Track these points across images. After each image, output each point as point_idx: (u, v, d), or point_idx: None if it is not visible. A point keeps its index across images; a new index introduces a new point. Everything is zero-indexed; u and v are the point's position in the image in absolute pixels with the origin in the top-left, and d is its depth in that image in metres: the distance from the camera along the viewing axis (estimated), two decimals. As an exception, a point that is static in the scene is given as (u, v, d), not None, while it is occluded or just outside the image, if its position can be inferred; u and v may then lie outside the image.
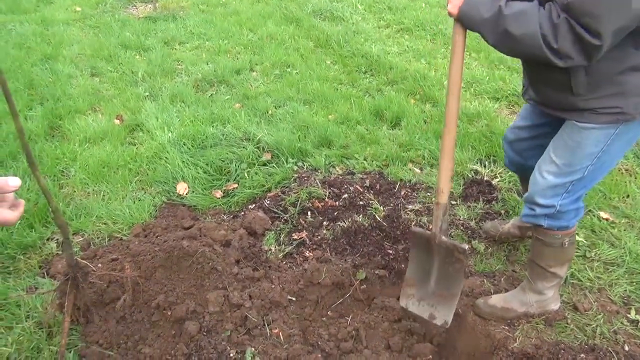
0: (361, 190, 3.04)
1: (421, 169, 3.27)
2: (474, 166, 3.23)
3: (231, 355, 1.99)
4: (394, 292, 2.48)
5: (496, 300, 2.21)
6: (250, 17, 6.11)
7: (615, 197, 2.88)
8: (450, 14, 1.64)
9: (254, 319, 2.13)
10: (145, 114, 3.90)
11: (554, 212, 1.85)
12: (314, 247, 2.65)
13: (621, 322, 2.14)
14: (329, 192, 2.99)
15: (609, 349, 2.00)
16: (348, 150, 3.44)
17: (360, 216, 2.82)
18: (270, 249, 2.64)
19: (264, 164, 3.29)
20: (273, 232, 2.75)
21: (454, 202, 2.96)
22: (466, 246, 1.84)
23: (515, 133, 2.10)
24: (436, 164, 3.23)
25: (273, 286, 2.30)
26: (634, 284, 2.33)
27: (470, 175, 3.16)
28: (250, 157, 3.31)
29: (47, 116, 3.85)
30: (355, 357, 2.17)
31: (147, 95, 4.29)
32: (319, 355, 2.07)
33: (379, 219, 2.79)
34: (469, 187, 3.06)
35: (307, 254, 2.60)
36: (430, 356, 2.16)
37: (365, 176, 3.18)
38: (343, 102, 4.07)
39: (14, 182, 0.96)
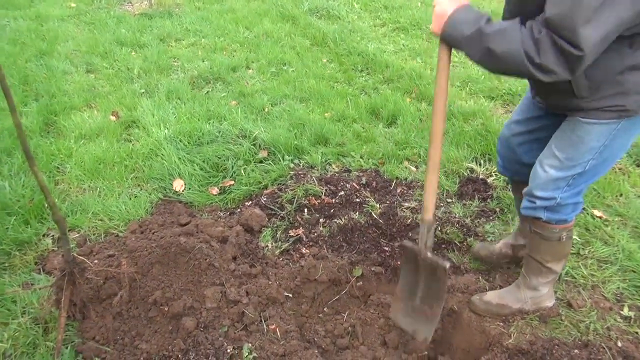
0: (357, 187, 3.05)
1: (417, 167, 3.29)
2: (470, 164, 3.25)
3: (228, 351, 2.00)
4: (390, 289, 2.49)
5: (491, 296, 2.23)
6: (246, 15, 6.11)
7: (608, 196, 2.91)
8: (433, 33, 1.66)
9: (251, 315, 2.14)
10: (141, 110, 3.89)
11: (554, 204, 1.86)
12: (311, 244, 2.66)
13: (614, 319, 2.16)
14: (326, 190, 3.00)
15: (602, 345, 2.02)
16: (344, 148, 3.45)
17: (357, 213, 2.83)
18: (267, 246, 2.64)
19: (261, 161, 3.29)
20: (270, 228, 2.75)
21: (449, 200, 2.98)
22: (448, 264, 1.88)
23: (511, 128, 2.11)
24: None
25: (270, 282, 2.31)
26: (627, 281, 2.36)
27: (465, 174, 3.18)
28: (247, 154, 3.32)
29: (42, 112, 3.84)
30: (351, 353, 2.19)
31: (143, 92, 4.29)
32: (316, 352, 2.08)
33: (375, 216, 2.80)
34: (464, 185, 3.08)
35: (303, 250, 2.61)
36: (426, 352, 2.18)
37: (361, 174, 3.20)
38: (339, 100, 4.08)
39: None
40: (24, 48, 5.04)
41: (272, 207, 2.89)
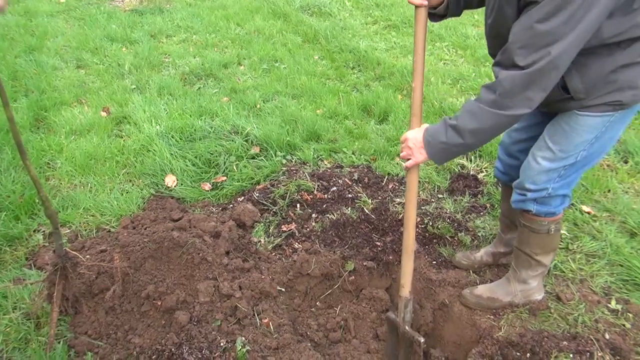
0: (349, 183, 3.07)
1: (408, 163, 3.31)
2: (460, 160, 3.28)
3: (221, 344, 2.01)
4: (382, 283, 2.51)
5: (482, 290, 2.26)
6: (237, 12, 6.09)
7: (597, 192, 2.95)
8: (421, 162, 1.80)
9: (244, 309, 2.14)
10: (132, 106, 3.88)
11: (545, 195, 1.89)
12: (303, 238, 2.67)
13: (602, 312, 2.20)
14: (318, 185, 3.01)
15: (590, 337, 2.06)
16: (336, 144, 3.46)
17: (349, 209, 2.84)
18: (260, 241, 2.65)
19: (253, 157, 3.29)
20: (262, 224, 2.76)
21: (440, 196, 3.00)
22: (422, 339, 1.98)
23: (512, 136, 2.13)
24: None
25: (263, 277, 2.32)
26: (615, 275, 2.40)
27: (456, 170, 3.21)
28: (239, 150, 3.32)
29: (32, 108, 3.81)
30: (343, 346, 2.21)
31: (134, 88, 4.27)
32: (308, 345, 2.09)
33: (367, 211, 2.82)
34: (455, 181, 3.11)
35: (296, 245, 2.62)
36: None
37: (353, 170, 3.21)
38: (331, 97, 4.09)
39: None
40: (12, 43, 4.99)
41: (265, 203, 2.90)
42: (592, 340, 2.04)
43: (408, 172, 1.88)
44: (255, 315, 2.17)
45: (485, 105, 1.57)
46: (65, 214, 2.78)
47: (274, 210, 2.85)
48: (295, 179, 3.04)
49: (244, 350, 1.99)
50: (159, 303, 2.12)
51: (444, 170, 3.21)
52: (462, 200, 2.95)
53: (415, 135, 1.77)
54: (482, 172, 3.19)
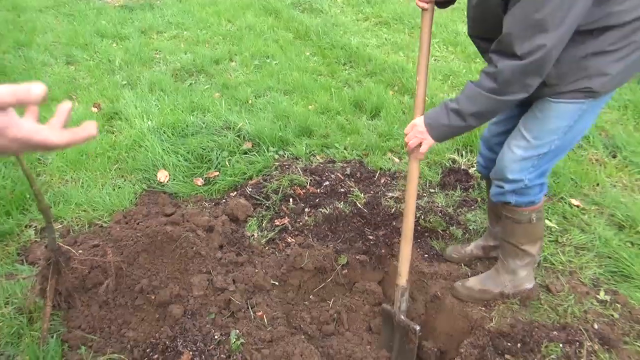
0: (342, 178, 3.08)
1: (400, 158, 3.33)
2: (452, 155, 3.31)
3: (216, 337, 2.01)
4: (375, 277, 2.54)
5: (473, 282, 2.29)
6: (228, 8, 6.08)
7: (585, 185, 2.99)
8: (431, 147, 1.88)
9: (237, 302, 2.15)
10: (123, 102, 3.86)
11: (522, 186, 1.93)
12: (296, 233, 2.68)
13: (591, 303, 2.24)
14: (311, 180, 3.03)
15: (580, 327, 2.09)
16: (328, 139, 3.47)
17: (342, 203, 2.86)
18: (253, 235, 2.66)
19: (245, 153, 3.30)
20: (255, 218, 2.77)
21: (432, 190, 3.03)
22: (418, 327, 2.02)
23: (491, 130, 2.18)
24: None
25: (256, 271, 2.33)
26: (603, 266, 2.44)
27: (448, 164, 3.23)
28: (231, 145, 3.32)
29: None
30: (337, 339, 2.23)
31: (125, 84, 4.25)
32: (302, 337, 2.11)
33: (359, 206, 2.84)
34: (446, 176, 3.14)
35: (289, 239, 2.63)
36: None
37: (345, 165, 3.23)
38: (323, 92, 4.10)
39: (37, 89, 0.62)
40: (1, 39, 4.94)
41: (258, 197, 2.91)
42: (581, 330, 2.08)
43: (410, 160, 1.96)
44: (249, 308, 2.18)
45: (486, 91, 1.64)
46: (57, 209, 2.77)
47: (267, 204, 2.86)
48: (288, 174, 3.05)
49: (238, 342, 2.00)
50: (153, 297, 2.12)
51: (435, 165, 3.23)
52: (453, 194, 2.98)
53: (421, 122, 1.86)
54: (473, 166, 3.22)
